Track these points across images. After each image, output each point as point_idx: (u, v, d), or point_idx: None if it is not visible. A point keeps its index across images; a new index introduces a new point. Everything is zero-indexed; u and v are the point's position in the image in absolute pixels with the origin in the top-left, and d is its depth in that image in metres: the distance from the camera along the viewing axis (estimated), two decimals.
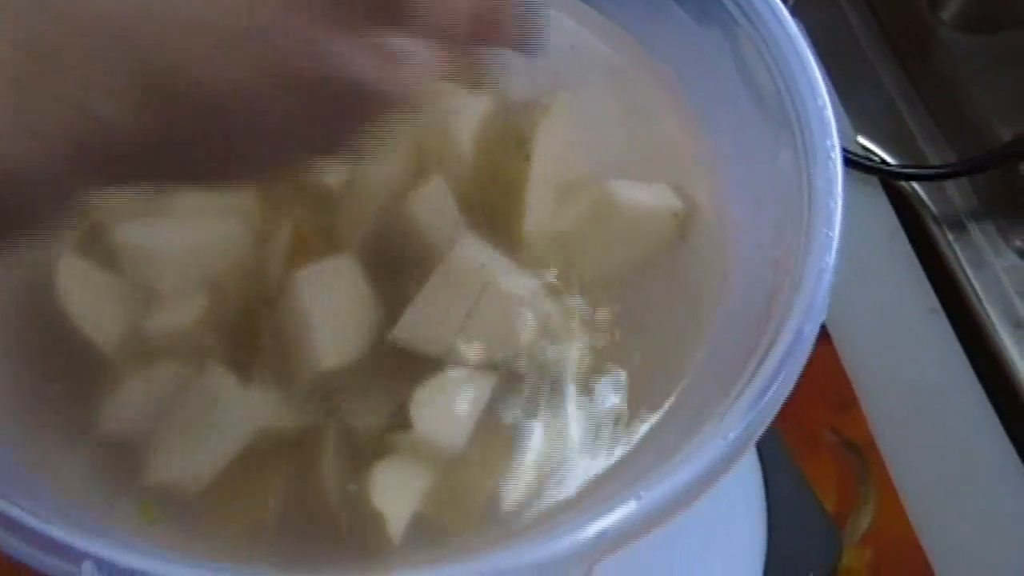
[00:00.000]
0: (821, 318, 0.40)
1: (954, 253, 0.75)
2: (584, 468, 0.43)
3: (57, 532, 0.34)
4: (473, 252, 0.45)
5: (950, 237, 0.75)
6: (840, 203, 0.42)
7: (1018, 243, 0.75)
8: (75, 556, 0.33)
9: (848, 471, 0.62)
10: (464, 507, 0.42)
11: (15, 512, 0.34)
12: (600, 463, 0.43)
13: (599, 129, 0.52)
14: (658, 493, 0.36)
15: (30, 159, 0.31)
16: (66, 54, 0.31)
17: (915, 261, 0.72)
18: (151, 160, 0.32)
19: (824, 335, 0.66)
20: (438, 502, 0.42)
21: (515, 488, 0.43)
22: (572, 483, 0.42)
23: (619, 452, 0.43)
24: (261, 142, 0.34)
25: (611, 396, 0.46)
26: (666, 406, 0.45)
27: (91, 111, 0.31)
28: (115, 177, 0.33)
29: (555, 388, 0.46)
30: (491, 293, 0.44)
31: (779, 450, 0.60)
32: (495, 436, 0.44)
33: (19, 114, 0.30)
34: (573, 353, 0.46)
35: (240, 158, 0.34)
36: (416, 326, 0.43)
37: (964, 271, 0.73)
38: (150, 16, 0.31)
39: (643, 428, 0.44)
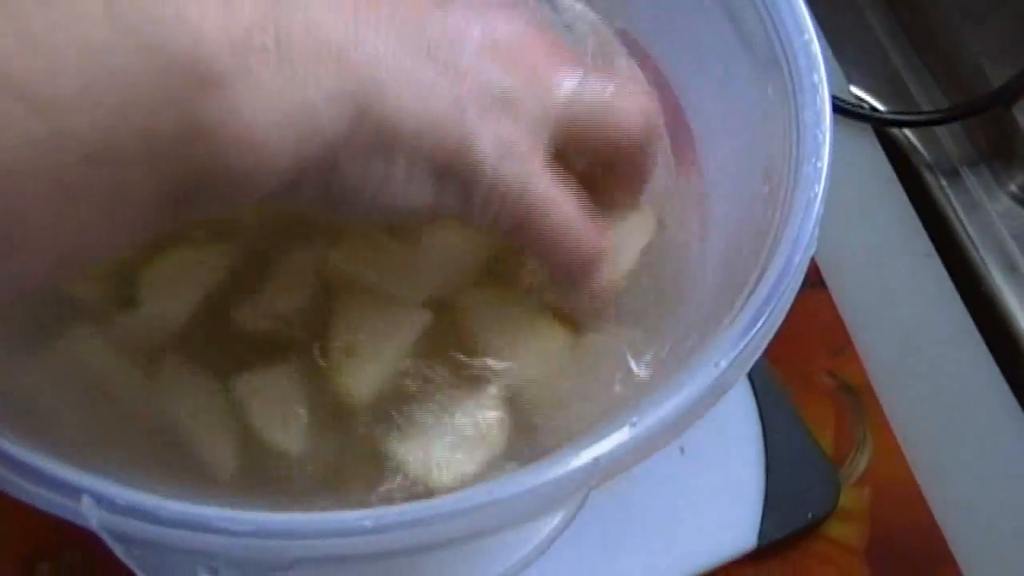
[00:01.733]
0: (811, 250, 0.41)
1: (947, 198, 0.75)
2: (578, 407, 0.44)
3: (59, 470, 0.34)
4: None
5: (943, 183, 0.76)
6: (828, 135, 0.43)
7: (1012, 187, 0.75)
8: (74, 492, 0.34)
9: (845, 413, 0.63)
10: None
11: (17, 452, 0.35)
12: (597, 401, 0.44)
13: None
14: (650, 420, 0.36)
15: None
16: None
17: (909, 207, 0.72)
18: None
19: (819, 281, 0.67)
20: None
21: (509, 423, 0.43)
22: (568, 416, 0.43)
23: (613, 385, 0.43)
24: None
25: (604, 337, 0.46)
26: (660, 345, 0.45)
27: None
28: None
29: (548, 328, 0.46)
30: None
31: (776, 393, 0.61)
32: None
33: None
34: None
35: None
36: None
37: (958, 216, 0.74)
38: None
39: (637, 368, 0.45)
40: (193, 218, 0.34)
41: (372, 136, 0.35)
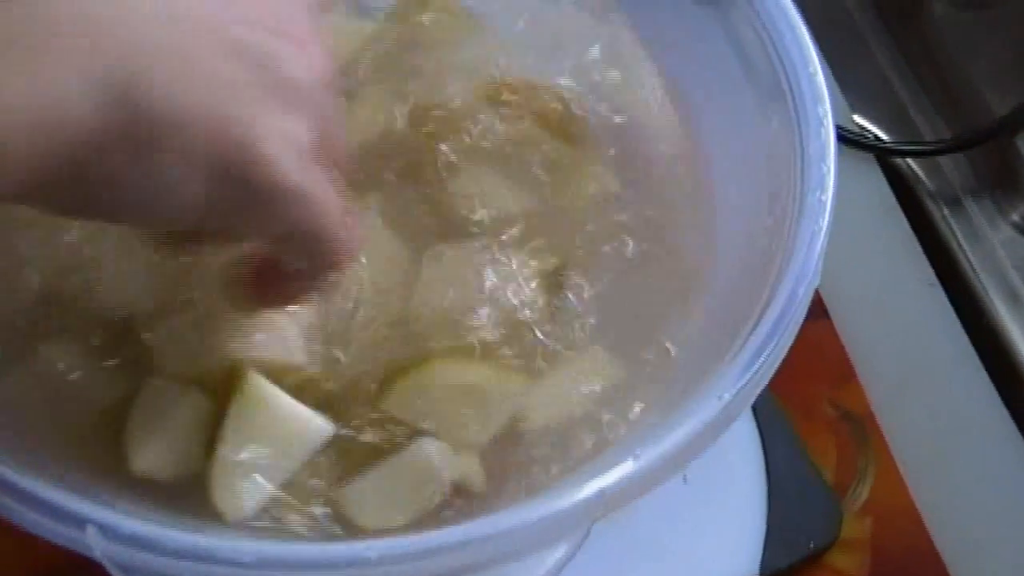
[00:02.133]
0: (815, 282, 0.41)
1: (950, 228, 0.75)
2: (583, 437, 0.44)
3: (63, 499, 0.34)
4: None
5: (946, 212, 0.76)
6: (834, 167, 0.43)
7: (1014, 217, 0.75)
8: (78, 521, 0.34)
9: (847, 443, 0.63)
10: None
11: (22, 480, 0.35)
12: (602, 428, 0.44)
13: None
14: (654, 453, 0.36)
15: None
16: None
17: (912, 237, 0.72)
18: None
19: (822, 310, 0.67)
20: None
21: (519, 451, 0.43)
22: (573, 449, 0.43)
23: (617, 416, 0.44)
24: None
25: (609, 366, 0.46)
26: (664, 375, 0.45)
27: None
28: None
29: (554, 359, 0.46)
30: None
31: (779, 423, 0.61)
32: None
33: None
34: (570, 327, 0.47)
35: None
36: None
37: (960, 245, 0.74)
38: None
39: (640, 399, 0.45)
40: None
41: (135, 128, 0.30)
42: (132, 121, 0.30)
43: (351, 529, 0.41)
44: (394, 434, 0.42)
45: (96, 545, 0.33)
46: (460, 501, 0.42)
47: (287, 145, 0.33)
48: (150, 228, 0.38)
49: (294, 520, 0.40)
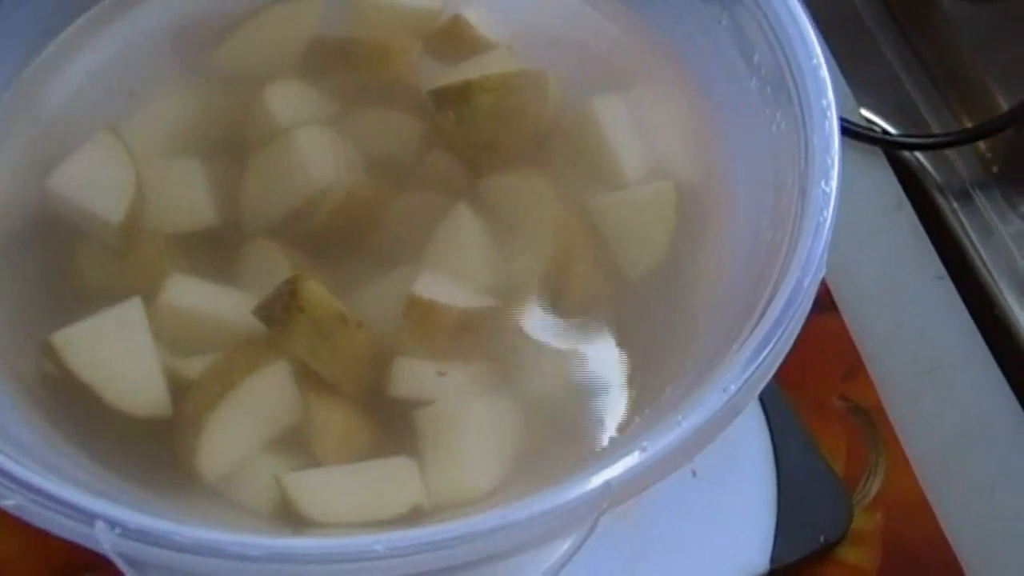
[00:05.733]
0: (821, 273, 0.41)
1: (959, 221, 0.75)
2: (594, 426, 0.44)
3: (72, 495, 0.35)
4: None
5: (955, 205, 0.76)
6: (838, 159, 0.43)
7: (1023, 209, 0.75)
8: (87, 516, 0.34)
9: (857, 436, 0.62)
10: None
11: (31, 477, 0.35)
12: (610, 421, 0.44)
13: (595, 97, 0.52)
14: (661, 444, 0.36)
15: None
16: None
17: (920, 230, 0.72)
18: None
19: (831, 305, 0.66)
20: None
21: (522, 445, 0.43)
22: (582, 440, 0.43)
23: (623, 411, 0.44)
24: None
25: (617, 362, 0.46)
26: (667, 367, 0.45)
27: None
28: None
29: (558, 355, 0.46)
30: None
31: (788, 416, 0.61)
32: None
33: None
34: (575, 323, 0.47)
35: None
36: None
37: (970, 238, 0.74)
38: None
39: (645, 389, 0.45)
40: None
41: None
42: None
43: (294, 515, 0.41)
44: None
45: (105, 540, 0.34)
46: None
47: None
48: None
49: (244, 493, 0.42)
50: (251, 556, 0.34)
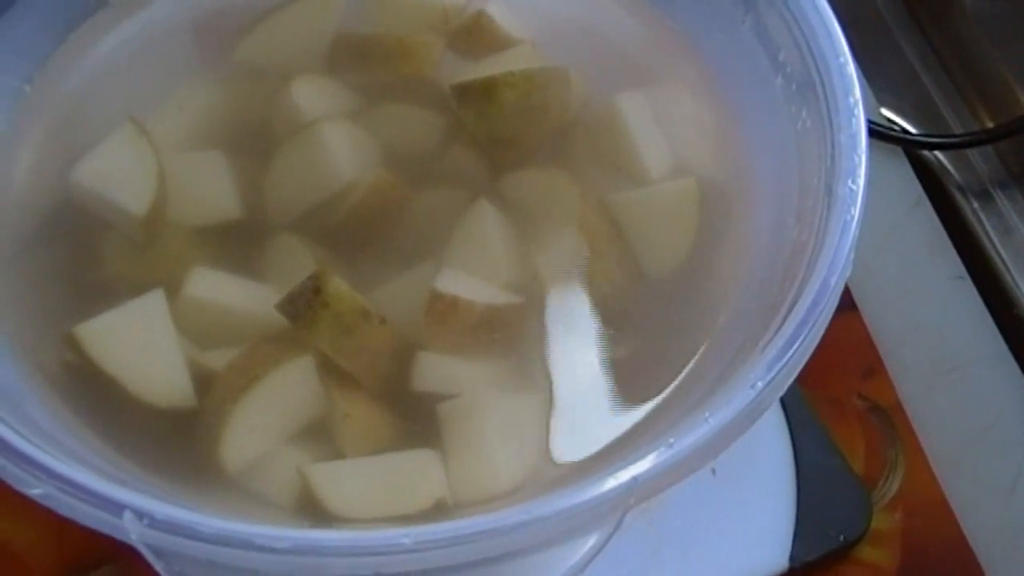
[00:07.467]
0: (847, 271, 0.41)
1: (979, 220, 0.75)
2: (618, 423, 0.44)
3: (101, 485, 0.35)
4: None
5: (975, 205, 0.75)
6: (865, 157, 0.43)
7: None
8: (116, 507, 0.34)
9: (876, 436, 0.62)
10: None
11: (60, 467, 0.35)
12: (634, 417, 0.44)
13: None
14: (688, 441, 0.36)
15: None
16: None
17: (941, 230, 0.72)
18: None
19: (851, 304, 0.66)
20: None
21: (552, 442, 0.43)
22: (607, 436, 0.43)
23: (646, 408, 0.44)
24: None
25: (639, 358, 0.46)
26: (694, 363, 0.45)
27: None
28: None
29: (580, 351, 0.46)
30: None
31: (808, 416, 0.61)
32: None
33: None
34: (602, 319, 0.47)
35: None
36: None
37: (990, 238, 0.74)
38: None
39: (668, 387, 0.45)
40: None
41: None
42: None
43: (317, 507, 0.41)
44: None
45: (133, 530, 0.34)
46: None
47: None
48: None
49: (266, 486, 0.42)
50: (278, 548, 0.34)
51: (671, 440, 0.36)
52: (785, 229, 0.45)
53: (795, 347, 0.39)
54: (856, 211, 0.41)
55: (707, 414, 0.37)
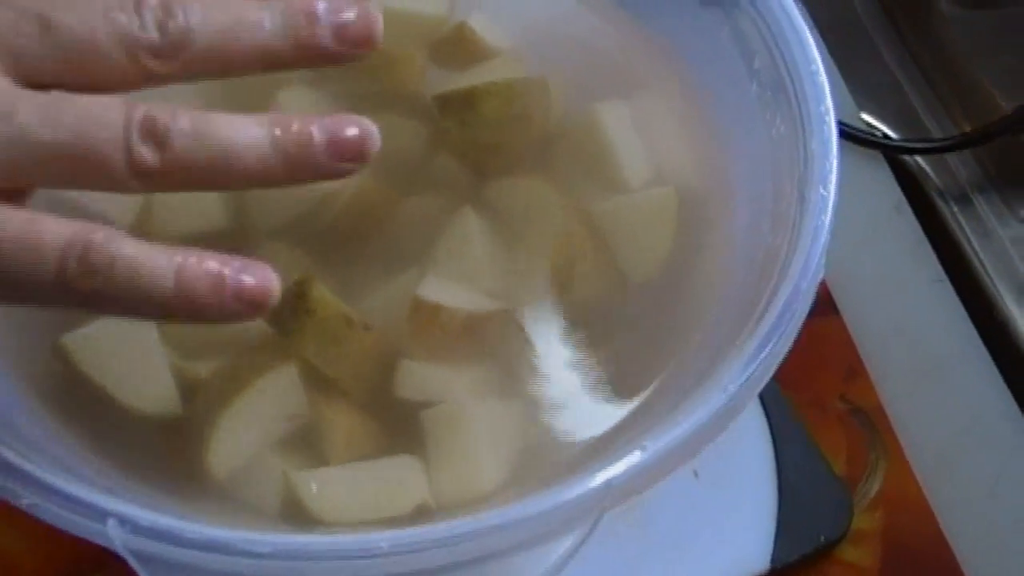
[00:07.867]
0: (819, 275, 0.42)
1: (959, 225, 0.75)
2: (599, 427, 0.45)
3: (84, 492, 0.35)
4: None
5: (955, 209, 0.76)
6: (836, 164, 0.44)
7: (1023, 213, 0.75)
8: (99, 514, 0.35)
9: (857, 437, 0.63)
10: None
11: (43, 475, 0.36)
12: (614, 421, 0.44)
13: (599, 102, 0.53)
14: (662, 444, 0.37)
15: None
16: None
17: (920, 233, 0.72)
18: None
19: (832, 307, 0.67)
20: None
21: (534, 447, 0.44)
22: (588, 440, 0.44)
23: (625, 412, 0.44)
24: None
25: (620, 364, 0.47)
26: (669, 369, 0.46)
27: None
28: None
29: (562, 357, 0.47)
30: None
31: (789, 418, 0.61)
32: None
33: None
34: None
35: None
36: None
37: (969, 242, 0.74)
38: None
39: (646, 391, 0.46)
40: None
41: None
42: None
43: (302, 513, 0.42)
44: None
45: (116, 537, 0.34)
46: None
47: None
48: None
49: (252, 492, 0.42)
50: (260, 553, 0.34)
51: (645, 443, 0.37)
52: (760, 234, 0.46)
53: (767, 350, 0.39)
54: (827, 217, 0.42)
55: (681, 416, 0.38)
